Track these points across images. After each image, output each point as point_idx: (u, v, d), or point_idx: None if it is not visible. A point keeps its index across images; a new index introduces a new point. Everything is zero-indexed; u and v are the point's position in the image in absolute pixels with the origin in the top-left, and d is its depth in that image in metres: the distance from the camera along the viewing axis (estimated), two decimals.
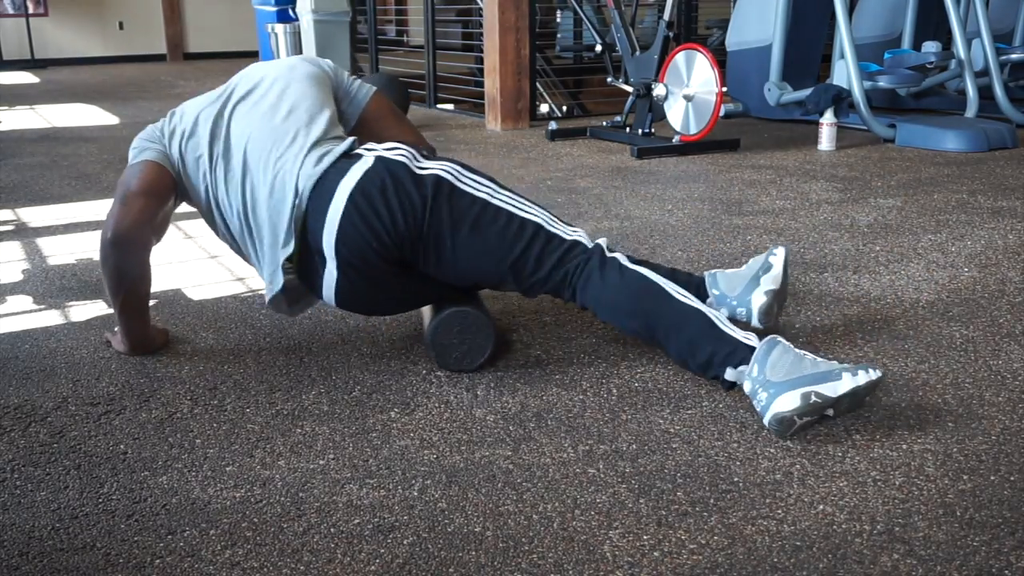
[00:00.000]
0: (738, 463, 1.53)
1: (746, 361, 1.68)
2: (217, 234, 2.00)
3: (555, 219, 1.89)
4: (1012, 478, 1.46)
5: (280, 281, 1.84)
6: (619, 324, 1.86)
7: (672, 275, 1.94)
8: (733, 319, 1.91)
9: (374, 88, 2.16)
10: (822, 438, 1.61)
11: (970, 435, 1.61)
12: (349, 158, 1.84)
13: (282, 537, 1.34)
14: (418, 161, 1.85)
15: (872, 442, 1.59)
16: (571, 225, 1.91)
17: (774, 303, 1.93)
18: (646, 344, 1.94)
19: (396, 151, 1.85)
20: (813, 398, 1.57)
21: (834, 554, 1.28)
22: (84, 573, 1.27)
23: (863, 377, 1.58)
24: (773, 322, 1.96)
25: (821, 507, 1.40)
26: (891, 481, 1.46)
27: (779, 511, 1.39)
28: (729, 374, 1.70)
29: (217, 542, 1.33)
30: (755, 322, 1.94)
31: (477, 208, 1.82)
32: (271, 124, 1.90)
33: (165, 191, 1.95)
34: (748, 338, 1.71)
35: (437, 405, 1.78)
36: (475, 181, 1.86)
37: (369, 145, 1.88)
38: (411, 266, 1.86)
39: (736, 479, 1.48)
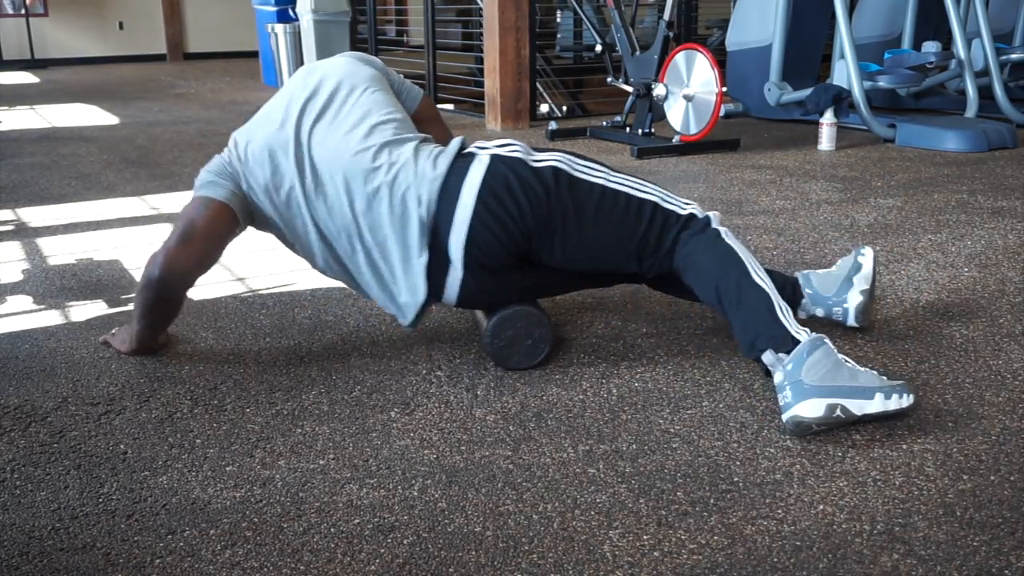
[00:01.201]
0: (738, 463, 1.53)
1: (788, 352, 1.67)
2: (314, 265, 1.94)
3: (669, 195, 1.91)
4: (1012, 478, 1.47)
5: (423, 290, 1.82)
6: (695, 287, 1.86)
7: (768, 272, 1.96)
8: (829, 318, 2.01)
9: (421, 90, 2.17)
10: (822, 438, 1.61)
11: (970, 435, 1.61)
12: (463, 158, 1.84)
13: (282, 537, 1.34)
14: (531, 154, 1.86)
15: (872, 442, 1.59)
16: (685, 199, 1.93)
17: (869, 302, 2.00)
18: (716, 313, 1.93)
19: (510, 147, 1.86)
20: (837, 412, 1.58)
21: (834, 554, 1.28)
22: (84, 573, 1.27)
23: (895, 403, 1.60)
24: (869, 320, 2.02)
25: (821, 507, 1.40)
26: (891, 481, 1.46)
27: (779, 511, 1.39)
28: (767, 357, 1.69)
29: (217, 542, 1.33)
30: (851, 321, 2.00)
31: (597, 193, 1.84)
32: (357, 142, 1.85)
33: (227, 232, 1.92)
34: (799, 332, 1.70)
35: (437, 405, 1.78)
36: (589, 168, 1.88)
37: (479, 143, 1.89)
38: (532, 259, 1.87)
39: (736, 479, 1.48)
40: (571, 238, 1.84)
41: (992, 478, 1.47)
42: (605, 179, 1.87)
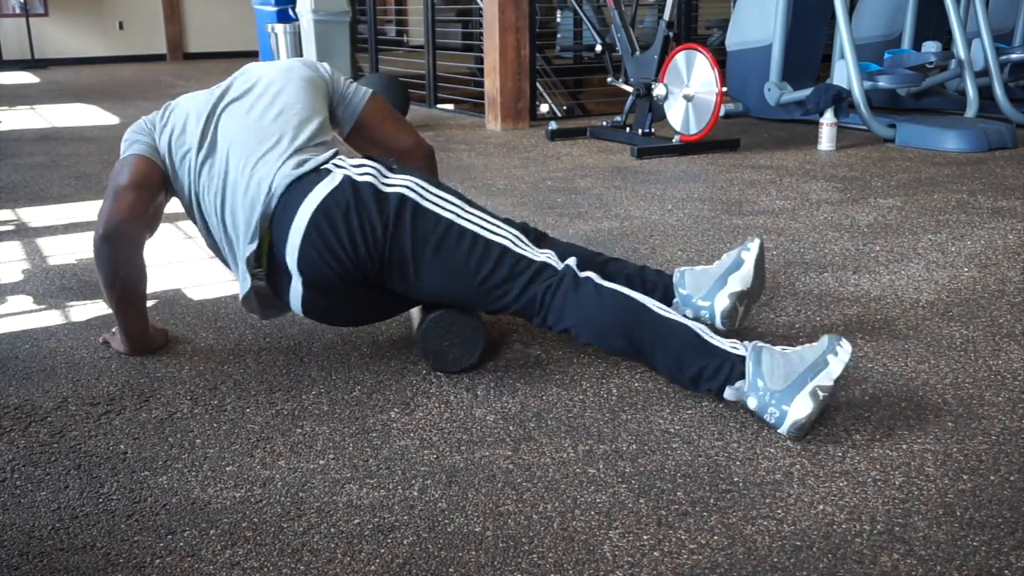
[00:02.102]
0: (738, 463, 1.53)
1: (740, 375, 1.65)
2: (200, 232, 1.99)
3: (523, 241, 1.84)
4: (1012, 478, 1.47)
5: (248, 280, 1.84)
6: (601, 343, 1.80)
7: (641, 274, 1.95)
8: (698, 321, 1.86)
9: (371, 91, 2.15)
10: (822, 438, 1.61)
11: (970, 435, 1.61)
12: (319, 172, 1.81)
13: (282, 537, 1.34)
14: (385, 177, 1.81)
15: (872, 442, 1.59)
16: (539, 247, 1.87)
17: (738, 306, 1.89)
18: (632, 361, 1.91)
19: (364, 168, 1.81)
20: (820, 393, 1.58)
21: (834, 554, 1.28)
22: (84, 573, 1.27)
23: (843, 352, 1.61)
24: (738, 324, 1.92)
25: (821, 507, 1.40)
26: (891, 481, 1.46)
27: (779, 511, 1.39)
28: (729, 393, 1.66)
29: (217, 542, 1.33)
30: (717, 324, 1.90)
31: (441, 228, 1.77)
32: (258, 125, 1.90)
33: (155, 184, 1.95)
34: (736, 347, 1.68)
35: (437, 405, 1.78)
36: (441, 199, 1.81)
37: (340, 160, 1.84)
38: (379, 283, 1.84)
39: (736, 479, 1.48)
40: (408, 273, 1.79)
41: (992, 478, 1.47)
42: (456, 213, 1.80)
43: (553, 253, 1.85)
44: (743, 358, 1.66)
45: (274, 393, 1.84)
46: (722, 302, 1.88)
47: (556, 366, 1.95)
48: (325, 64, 2.12)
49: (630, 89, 4.85)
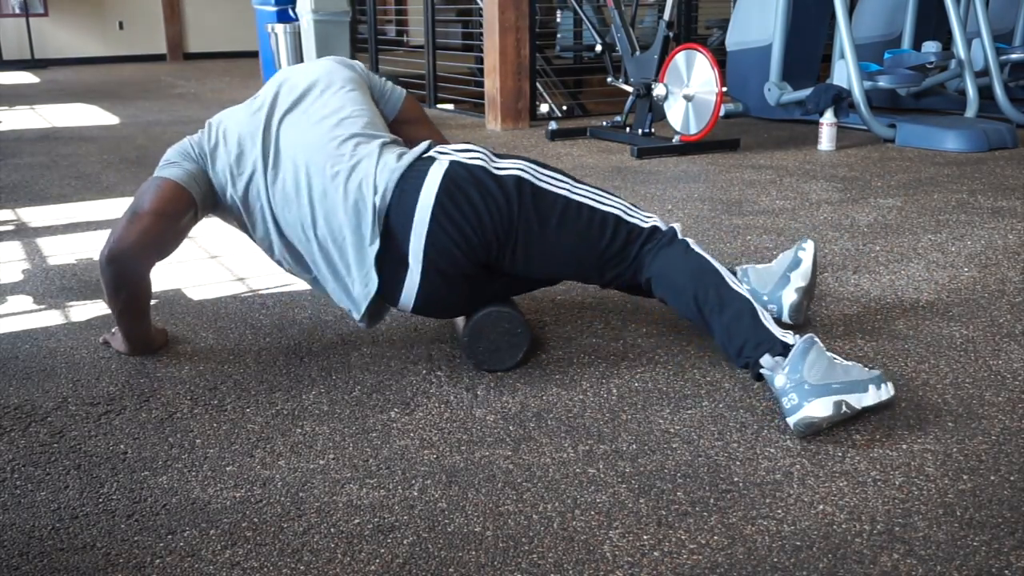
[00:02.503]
0: (738, 463, 1.53)
1: (782, 355, 1.68)
2: (272, 256, 1.94)
3: (631, 207, 1.91)
4: (1012, 478, 1.47)
5: (375, 280, 1.80)
6: (671, 300, 1.86)
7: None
8: None
9: (405, 91, 2.17)
10: (822, 438, 1.61)
11: (970, 435, 1.61)
12: (423, 160, 1.82)
13: (282, 537, 1.34)
14: (494, 162, 1.84)
15: (872, 442, 1.59)
16: (646, 211, 1.93)
17: (804, 300, 2.00)
18: (694, 325, 1.92)
19: (471, 154, 1.84)
20: (844, 408, 1.59)
21: (834, 554, 1.28)
22: (84, 573, 1.27)
23: (884, 393, 1.63)
24: (803, 318, 2.03)
25: (821, 507, 1.40)
26: (891, 481, 1.46)
27: (779, 511, 1.39)
28: (766, 361, 1.68)
29: (217, 542, 1.33)
30: (785, 318, 2.00)
31: (560, 204, 1.83)
32: (328, 133, 1.86)
33: (178, 212, 1.89)
34: (785, 335, 1.72)
35: (437, 405, 1.78)
36: (552, 178, 1.87)
37: (441, 148, 1.86)
38: (491, 267, 1.86)
39: (736, 479, 1.48)
40: (533, 249, 1.82)
41: (992, 478, 1.47)
42: (568, 190, 1.85)
43: (658, 217, 1.92)
44: (788, 345, 1.69)
45: (274, 393, 1.84)
46: (789, 296, 2.00)
47: (556, 366, 1.95)
48: (357, 62, 2.12)
49: (630, 89, 4.85)
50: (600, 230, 1.84)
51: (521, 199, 1.79)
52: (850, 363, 1.67)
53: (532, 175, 1.83)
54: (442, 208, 1.75)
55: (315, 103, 1.92)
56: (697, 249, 1.86)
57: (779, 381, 1.64)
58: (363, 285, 1.82)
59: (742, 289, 1.79)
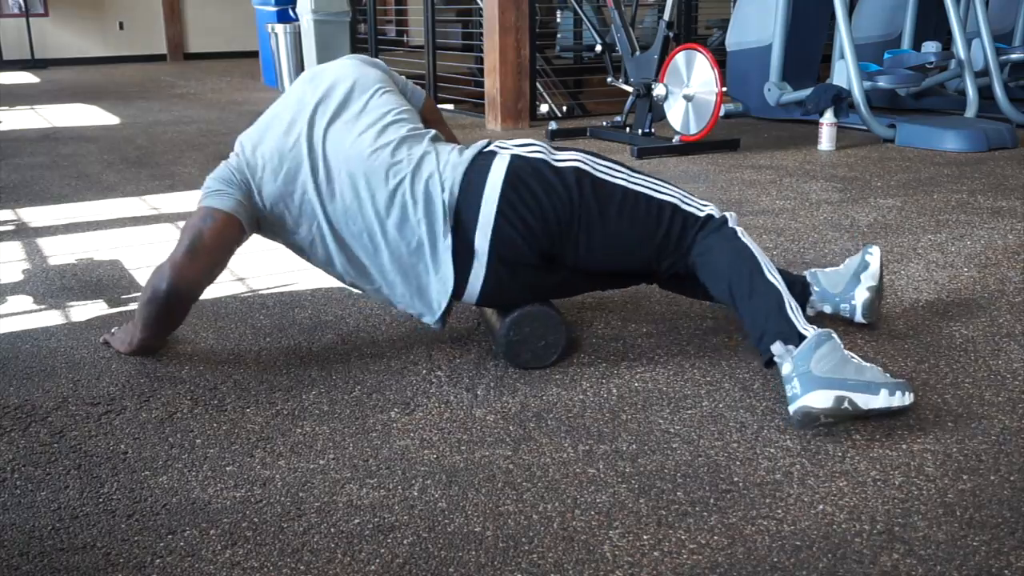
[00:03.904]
0: (738, 463, 1.53)
1: (796, 345, 1.68)
2: (331, 269, 1.92)
3: (688, 196, 1.92)
4: (1012, 478, 1.47)
5: (451, 276, 1.81)
6: (708, 282, 1.88)
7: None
8: (837, 315, 2.07)
9: (424, 91, 2.18)
10: (822, 438, 1.61)
11: (970, 435, 1.61)
12: (484, 156, 1.85)
13: (282, 537, 1.34)
14: (553, 154, 1.87)
15: (872, 442, 1.59)
16: (702, 200, 1.94)
17: (876, 298, 2.04)
18: (727, 308, 1.93)
19: (531, 147, 1.87)
20: (845, 404, 1.58)
21: (834, 554, 1.28)
22: (84, 573, 1.27)
23: (897, 400, 1.61)
24: (876, 316, 2.08)
25: (821, 507, 1.40)
26: (891, 481, 1.46)
27: (779, 511, 1.39)
28: (776, 348, 1.69)
29: (217, 542, 1.33)
30: (859, 317, 2.05)
31: (619, 195, 1.85)
32: (373, 139, 1.86)
33: (235, 245, 1.91)
34: (806, 329, 1.71)
35: (437, 405, 1.78)
36: (610, 168, 1.89)
37: (501, 143, 1.90)
38: (553, 259, 1.88)
39: (736, 479, 1.48)
40: (594, 239, 1.85)
41: (992, 478, 1.47)
42: (626, 180, 1.88)
43: (714, 206, 1.94)
44: (806, 338, 1.69)
45: (274, 393, 1.84)
46: (862, 295, 2.04)
47: (556, 366, 1.95)
48: (379, 60, 2.13)
49: (630, 89, 4.85)
50: (658, 218, 1.86)
51: (581, 190, 1.82)
52: (869, 365, 1.66)
53: (591, 166, 1.87)
54: (507, 201, 1.79)
55: (355, 111, 1.92)
56: (744, 238, 1.87)
57: (786, 368, 1.65)
58: (441, 283, 1.84)
59: (776, 279, 1.80)
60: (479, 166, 1.83)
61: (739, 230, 1.89)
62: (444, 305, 1.85)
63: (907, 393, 1.62)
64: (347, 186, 1.84)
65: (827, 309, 2.07)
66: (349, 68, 2.02)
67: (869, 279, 2.04)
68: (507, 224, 1.80)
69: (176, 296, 1.88)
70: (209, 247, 1.87)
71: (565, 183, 1.82)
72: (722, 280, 1.84)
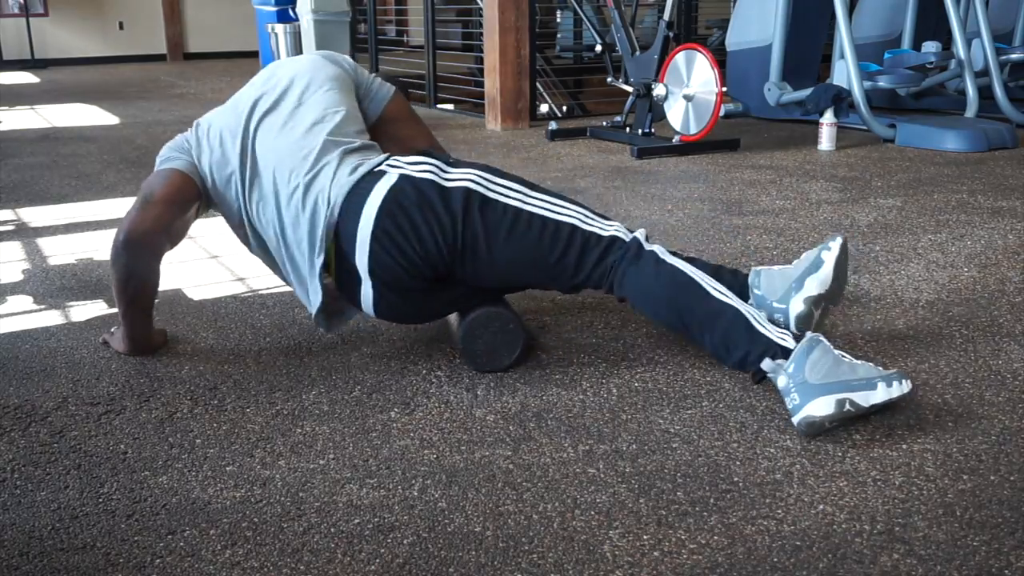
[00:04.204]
0: (738, 463, 1.53)
1: (784, 358, 1.66)
2: (250, 250, 2.00)
3: (590, 215, 1.87)
4: (1012, 478, 1.47)
5: (319, 294, 1.84)
6: (653, 316, 1.85)
7: (716, 272, 1.89)
8: (773, 322, 1.82)
9: (393, 88, 2.16)
10: (822, 438, 1.61)
11: (970, 435, 1.61)
12: (374, 175, 1.82)
13: (282, 537, 1.34)
14: (445, 172, 1.83)
15: (872, 442, 1.59)
16: (607, 218, 1.89)
17: (814, 310, 1.83)
18: (682, 337, 1.90)
19: (422, 166, 1.83)
20: (847, 406, 1.58)
21: (834, 554, 1.28)
22: (84, 573, 1.27)
23: (896, 390, 1.60)
24: (816, 327, 1.84)
25: (821, 507, 1.39)
26: (891, 481, 1.46)
27: (779, 511, 1.39)
28: (766, 364, 1.67)
29: (217, 542, 1.33)
30: (792, 329, 1.83)
31: (510, 217, 1.80)
32: (298, 140, 1.88)
33: (187, 201, 1.95)
34: (783, 338, 1.69)
35: (437, 405, 1.78)
36: (504, 187, 1.84)
37: (394, 160, 1.86)
38: (446, 279, 1.85)
39: (736, 479, 1.48)
40: (482, 262, 1.81)
41: (992, 478, 1.47)
42: (521, 200, 1.83)
43: (621, 225, 1.88)
44: (788, 349, 1.67)
45: (274, 393, 1.84)
46: (797, 306, 1.82)
47: (556, 366, 1.95)
48: (347, 57, 2.13)
49: (630, 89, 4.85)
50: (553, 240, 1.80)
51: (467, 213, 1.78)
52: (860, 362, 1.66)
53: (483, 186, 1.81)
54: (382, 228, 1.76)
55: (291, 106, 1.95)
56: (668, 259, 1.80)
57: (781, 382, 1.64)
58: (312, 294, 1.87)
59: (727, 297, 1.75)
60: (362, 188, 1.80)
61: (657, 249, 1.82)
62: (315, 314, 1.87)
63: (904, 381, 1.61)
64: (266, 178, 1.88)
65: (763, 315, 1.82)
66: (305, 64, 2.04)
67: (814, 286, 1.81)
68: (383, 252, 1.77)
69: (131, 249, 1.89)
70: (160, 198, 1.91)
71: (450, 207, 1.77)
72: (670, 313, 1.79)
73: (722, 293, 1.77)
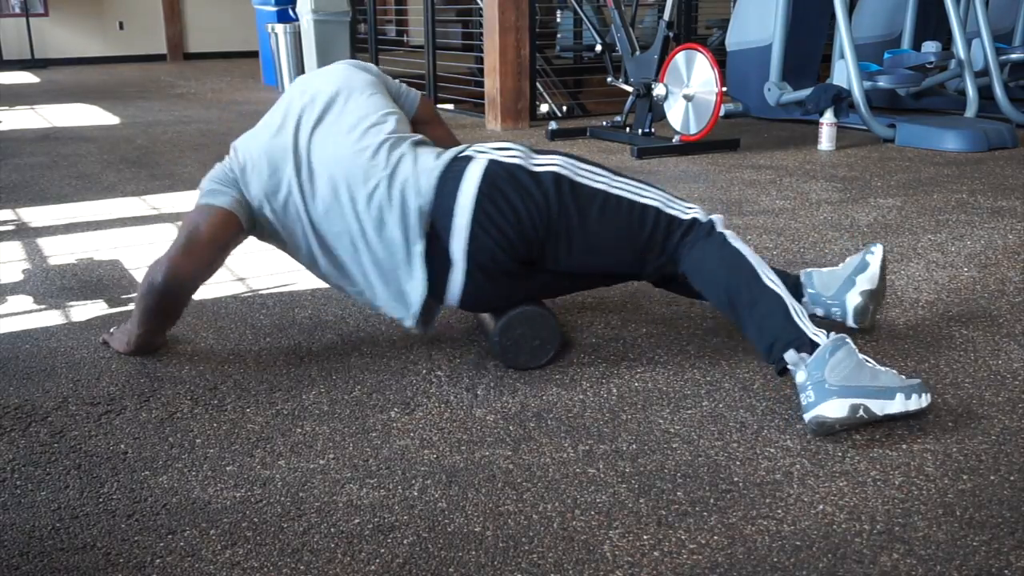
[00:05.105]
0: (738, 463, 1.53)
1: (809, 353, 1.66)
2: (316, 273, 1.95)
3: (671, 199, 1.90)
4: (1012, 478, 1.47)
5: (424, 279, 1.82)
6: (706, 293, 1.86)
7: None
8: (829, 319, 1.97)
9: (419, 92, 2.18)
10: (822, 438, 1.61)
11: (970, 435, 1.61)
12: (460, 160, 1.84)
13: (282, 537, 1.34)
14: (532, 158, 1.85)
15: (872, 442, 1.59)
16: (687, 202, 1.91)
17: (869, 303, 1.96)
18: (727, 318, 1.91)
19: (508, 152, 1.85)
20: (860, 412, 1.58)
21: (834, 554, 1.28)
22: (84, 573, 1.27)
23: (914, 403, 1.60)
24: (869, 322, 1.98)
25: (821, 507, 1.40)
26: (891, 481, 1.46)
27: (779, 511, 1.39)
28: (790, 356, 1.67)
29: (217, 542, 1.33)
30: (850, 322, 1.96)
31: (599, 199, 1.83)
32: (355, 141, 1.87)
33: (232, 242, 1.93)
34: (817, 334, 1.69)
35: (437, 405, 1.78)
36: (591, 172, 1.87)
37: (479, 147, 1.88)
38: (534, 263, 1.87)
39: (736, 479, 1.48)
40: (574, 244, 1.84)
41: (992, 478, 1.47)
42: (607, 184, 1.86)
43: (699, 208, 1.90)
44: (817, 344, 1.67)
45: (274, 393, 1.84)
46: (854, 299, 1.95)
47: (556, 366, 1.95)
48: (371, 64, 2.13)
49: (630, 89, 4.85)
50: (640, 222, 1.84)
51: (560, 195, 1.81)
52: (884, 368, 1.65)
53: (570, 170, 1.85)
54: (482, 209, 1.78)
55: (341, 114, 1.92)
56: (734, 243, 1.84)
57: (800, 377, 1.64)
58: (415, 288, 1.84)
59: (776, 285, 1.77)
60: (454, 171, 1.81)
61: (727, 233, 1.86)
62: (418, 309, 1.85)
63: (924, 395, 1.61)
64: (328, 188, 1.84)
65: (819, 312, 1.99)
66: (338, 73, 2.03)
67: (865, 282, 1.96)
68: (483, 233, 1.78)
69: (171, 290, 1.89)
70: (205, 242, 1.88)
71: (542, 188, 1.80)
72: (720, 290, 1.81)
73: (772, 281, 1.78)
